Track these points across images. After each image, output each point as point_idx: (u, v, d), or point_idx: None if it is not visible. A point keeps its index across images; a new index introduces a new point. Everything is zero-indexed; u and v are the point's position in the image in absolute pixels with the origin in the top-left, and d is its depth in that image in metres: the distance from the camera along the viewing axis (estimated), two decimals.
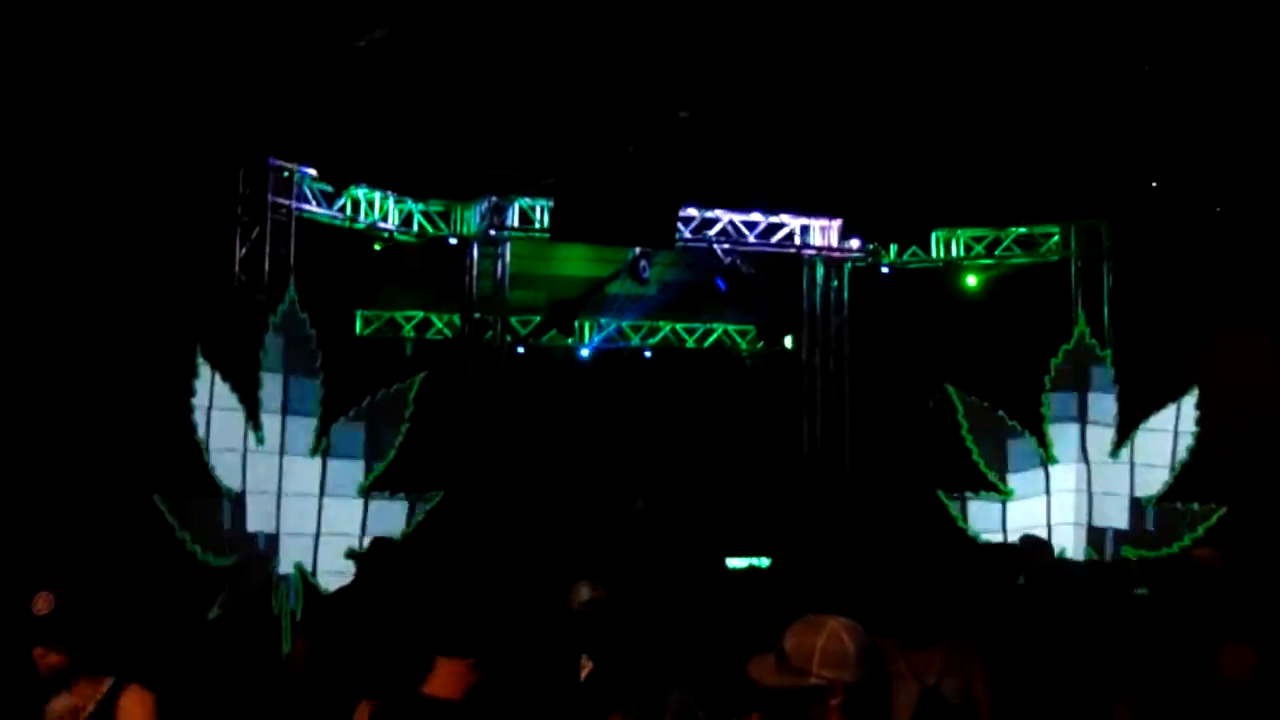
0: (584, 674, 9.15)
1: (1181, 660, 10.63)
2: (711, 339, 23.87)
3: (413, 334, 22.31)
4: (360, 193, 19.77)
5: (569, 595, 11.97)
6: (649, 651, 8.81)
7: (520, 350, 22.48)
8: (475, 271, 20.97)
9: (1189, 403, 18.67)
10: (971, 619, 10.47)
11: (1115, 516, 18.85)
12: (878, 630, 9.33)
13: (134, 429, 16.33)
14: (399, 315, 22.27)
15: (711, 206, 21.29)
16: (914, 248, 22.35)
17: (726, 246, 21.46)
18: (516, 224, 20.76)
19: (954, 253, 22.29)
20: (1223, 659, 9.34)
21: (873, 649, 5.51)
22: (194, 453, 16.16)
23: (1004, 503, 19.03)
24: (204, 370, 16.14)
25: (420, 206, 20.59)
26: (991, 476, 19.12)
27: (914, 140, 18.13)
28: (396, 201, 20.31)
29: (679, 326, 23.73)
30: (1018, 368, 19.37)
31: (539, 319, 22.32)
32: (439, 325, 22.44)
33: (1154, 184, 19.38)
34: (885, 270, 22.60)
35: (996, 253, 22.11)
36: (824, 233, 22.25)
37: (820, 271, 22.60)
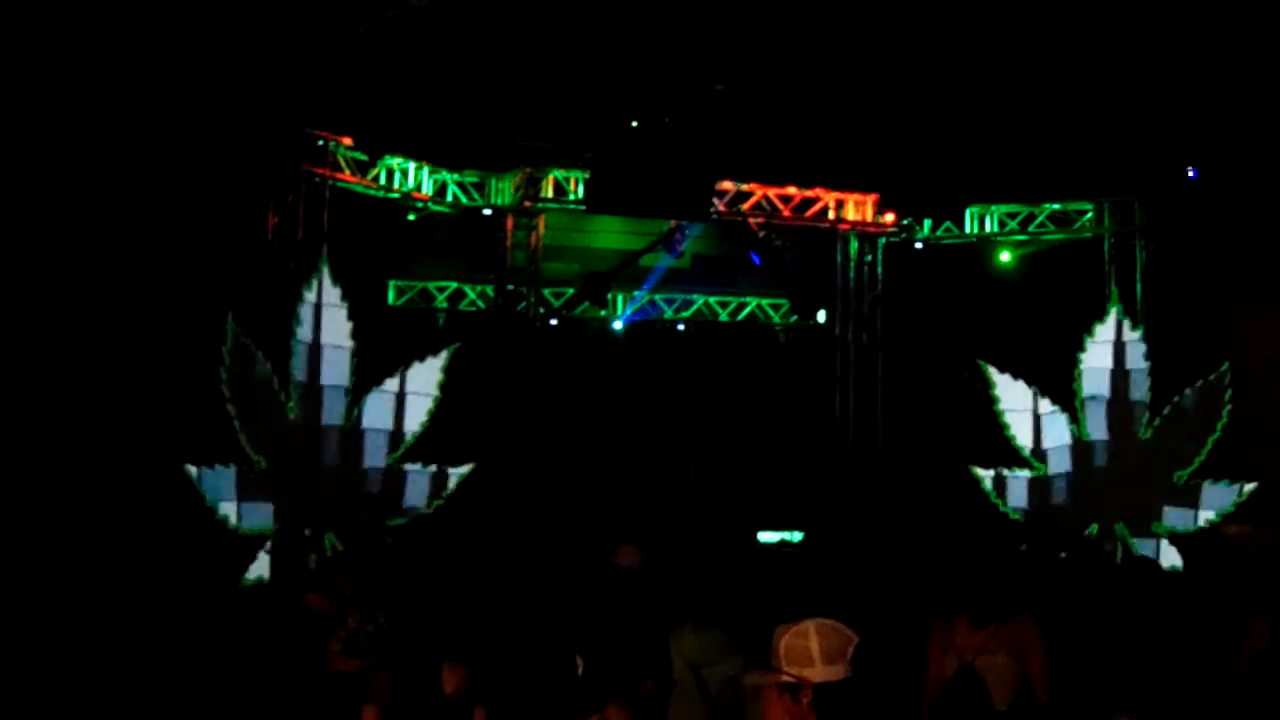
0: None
1: (1214, 634, 10.63)
2: (745, 312, 23.80)
3: (445, 305, 22.24)
4: (395, 162, 19.75)
5: (615, 556, 11.99)
6: (643, 638, 8.83)
7: (553, 322, 22.44)
8: (509, 243, 20.95)
9: (1221, 379, 18.67)
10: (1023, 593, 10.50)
11: (1147, 493, 18.85)
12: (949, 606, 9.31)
13: (165, 398, 16.36)
14: (432, 286, 22.23)
15: (746, 180, 21.24)
16: (948, 223, 22.28)
17: (761, 220, 21.42)
18: (551, 195, 20.74)
19: (988, 228, 22.20)
20: (1253, 630, 9.33)
21: (849, 649, 5.56)
22: (225, 422, 16.22)
23: (1036, 478, 19.05)
24: (236, 339, 16.22)
25: (455, 177, 20.56)
26: (1024, 452, 19.13)
27: (949, 116, 18.10)
28: (431, 172, 20.28)
29: (712, 300, 23.66)
30: (1051, 343, 19.37)
31: (572, 291, 22.29)
32: (472, 296, 22.38)
33: (1188, 169, 19.28)
34: (919, 245, 22.54)
35: (1030, 229, 22.02)
36: (859, 207, 22.19)
37: (854, 246, 22.56)
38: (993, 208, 22.06)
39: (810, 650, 5.52)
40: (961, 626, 9.55)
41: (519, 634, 10.53)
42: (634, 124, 18.10)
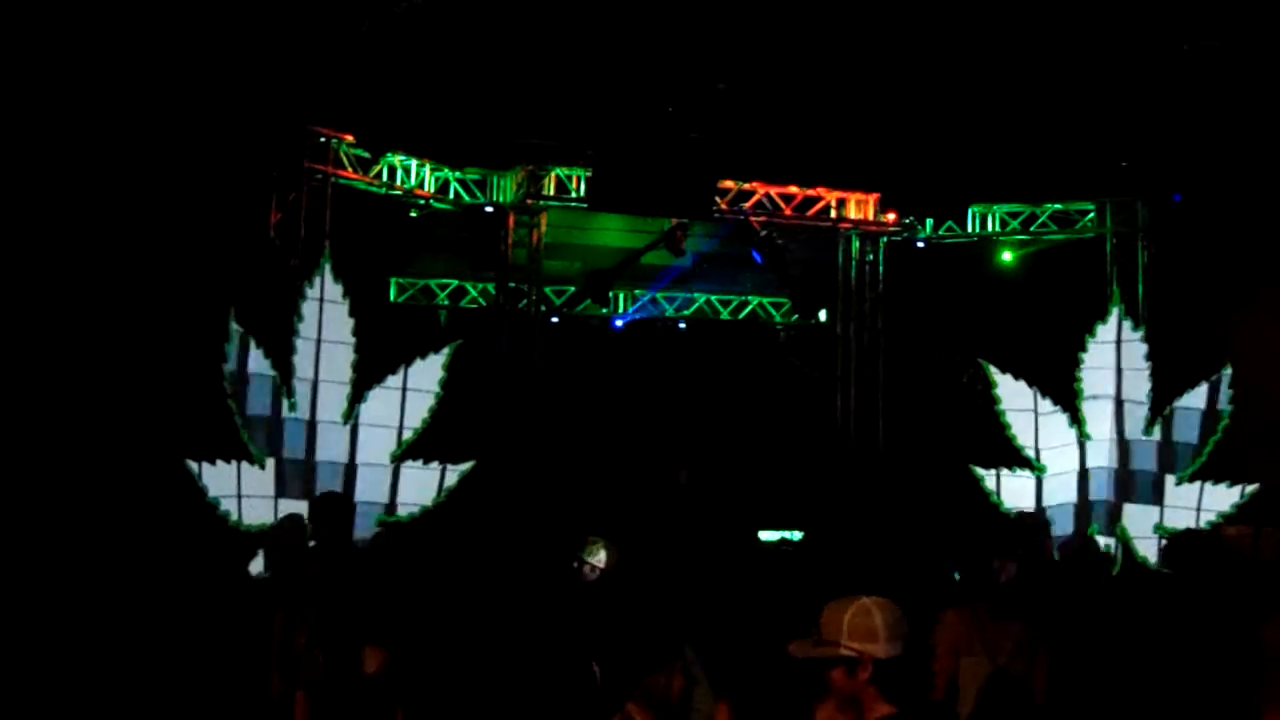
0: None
1: (1215, 637, 10.61)
2: (746, 311, 23.82)
3: (447, 302, 22.28)
4: (397, 160, 19.75)
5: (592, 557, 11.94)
6: (658, 630, 8.84)
7: (555, 320, 22.45)
8: (511, 240, 20.93)
9: (1222, 380, 18.65)
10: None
11: (1148, 494, 18.83)
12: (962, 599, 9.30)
13: (167, 394, 16.35)
14: (433, 283, 22.26)
15: (748, 178, 21.23)
16: (950, 223, 22.28)
17: (763, 219, 21.41)
18: (553, 193, 20.73)
19: (990, 228, 22.21)
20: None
21: (904, 625, 5.61)
22: (226, 418, 16.21)
23: (1037, 478, 19.02)
24: (237, 336, 16.21)
25: (457, 174, 20.55)
26: (1025, 452, 19.11)
27: (952, 115, 18.09)
28: (433, 169, 20.27)
29: (714, 298, 23.69)
30: (1052, 343, 19.35)
31: (574, 289, 22.29)
32: (473, 293, 22.43)
33: (1190, 172, 19.29)
34: (921, 245, 22.53)
35: (1032, 229, 22.03)
36: (860, 206, 22.19)
37: (856, 245, 22.54)
38: (994, 207, 22.06)
39: (875, 626, 5.56)
40: (984, 621, 9.53)
41: (472, 635, 10.56)
42: (638, 105, 18.09)
